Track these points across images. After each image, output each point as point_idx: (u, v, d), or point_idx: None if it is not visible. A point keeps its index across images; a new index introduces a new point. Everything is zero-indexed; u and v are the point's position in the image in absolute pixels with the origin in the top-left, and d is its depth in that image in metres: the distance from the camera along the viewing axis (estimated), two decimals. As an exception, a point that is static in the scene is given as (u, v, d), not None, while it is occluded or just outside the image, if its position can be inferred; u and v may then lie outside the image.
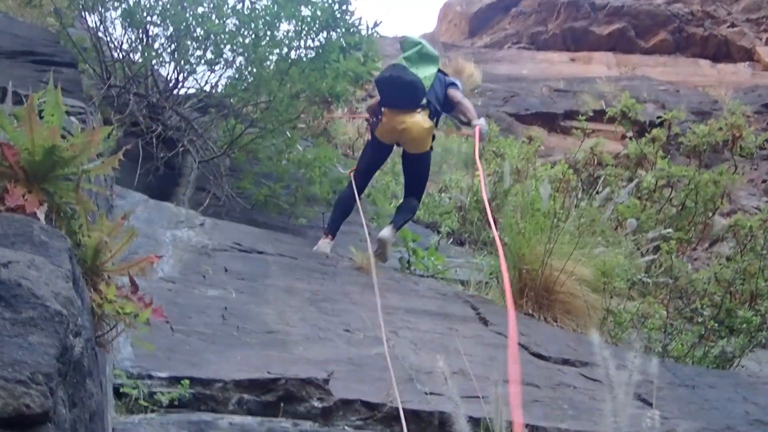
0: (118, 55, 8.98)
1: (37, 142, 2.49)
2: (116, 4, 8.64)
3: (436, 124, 7.41)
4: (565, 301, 6.95)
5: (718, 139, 13.20)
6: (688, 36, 24.41)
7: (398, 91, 7.12)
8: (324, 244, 7.17)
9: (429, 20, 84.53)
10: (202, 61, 8.77)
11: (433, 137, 7.39)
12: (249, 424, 3.79)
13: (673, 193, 11.80)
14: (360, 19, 8.33)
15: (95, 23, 8.85)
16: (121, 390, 3.72)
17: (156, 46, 8.78)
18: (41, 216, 2.46)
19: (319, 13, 8.10)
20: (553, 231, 6.94)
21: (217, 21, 8.34)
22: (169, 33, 8.61)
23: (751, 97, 19.84)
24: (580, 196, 9.49)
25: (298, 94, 8.63)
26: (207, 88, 9.25)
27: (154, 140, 8.38)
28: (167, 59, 8.94)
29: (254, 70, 8.49)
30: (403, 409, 4.03)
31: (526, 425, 4.21)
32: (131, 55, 8.99)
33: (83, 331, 2.11)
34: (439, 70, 7.48)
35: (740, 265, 8.27)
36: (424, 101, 7.14)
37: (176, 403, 3.82)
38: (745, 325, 7.05)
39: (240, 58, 8.68)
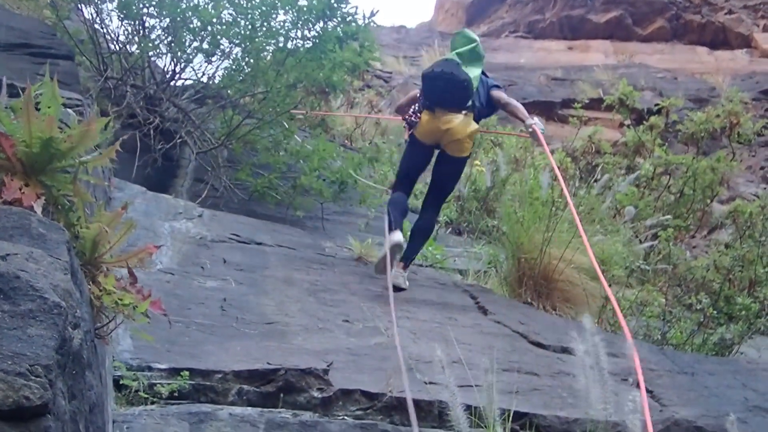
0: (115, 46, 8.97)
1: (34, 134, 2.48)
2: (112, -5, 8.63)
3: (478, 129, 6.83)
4: (564, 290, 6.96)
5: (715, 126, 13.22)
6: (686, 23, 24.37)
7: (448, 89, 6.52)
8: (395, 234, 6.19)
9: (426, 10, 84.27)
10: (199, 53, 8.76)
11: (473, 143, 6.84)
12: (249, 414, 3.79)
13: (671, 180, 11.81)
14: (356, 8, 8.34)
15: (91, 15, 8.84)
16: (121, 382, 3.73)
17: (153, 37, 8.76)
18: (39, 208, 2.45)
19: (315, 2, 8.08)
20: (551, 219, 6.94)
21: (213, 12, 8.32)
22: (165, 24, 8.59)
23: (749, 84, 19.83)
24: (578, 184, 9.50)
25: (295, 85, 8.63)
26: (204, 79, 9.26)
27: (151, 132, 8.37)
28: (164, 51, 8.94)
29: (251, 60, 8.47)
30: (402, 399, 4.05)
31: (526, 413, 4.23)
32: (128, 46, 8.96)
33: (82, 323, 2.11)
34: (482, 71, 6.88)
35: (739, 252, 8.28)
36: (470, 103, 6.58)
37: (176, 394, 3.83)
38: (744, 312, 7.07)
39: (237, 49, 8.68)
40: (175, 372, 3.95)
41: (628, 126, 14.28)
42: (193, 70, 9.24)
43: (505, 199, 8.67)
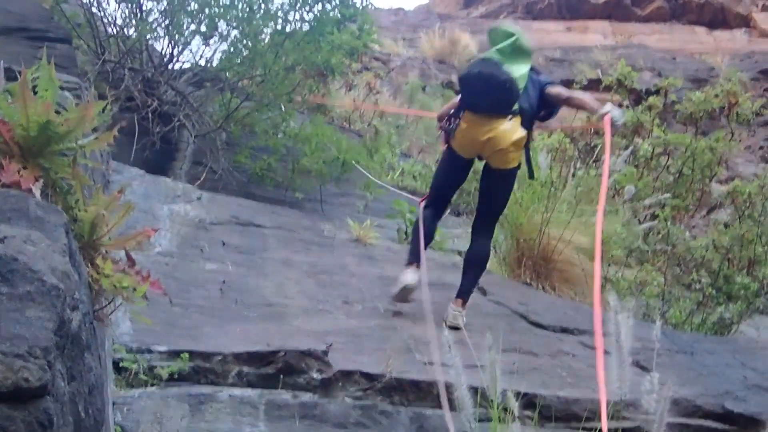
0: (113, 30, 8.93)
1: (32, 117, 2.48)
2: (109, -22, 8.60)
3: (529, 137, 5.77)
4: (563, 270, 6.98)
5: (714, 106, 13.18)
6: (684, 3, 24.30)
7: (489, 92, 5.52)
8: (408, 274, 5.54)
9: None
10: (197, 35, 8.74)
11: (528, 153, 5.86)
12: (249, 396, 3.81)
13: (670, 160, 11.79)
14: (355, -9, 8.31)
15: (89, -2, 8.80)
16: (121, 364, 3.74)
17: (150, 20, 8.73)
18: (37, 191, 2.45)
19: (313, -16, 8.07)
20: (550, 200, 6.95)
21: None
22: (163, 7, 8.57)
23: (748, 64, 19.81)
24: (577, 165, 9.49)
25: (294, 68, 8.61)
26: (202, 62, 9.26)
27: (149, 115, 8.36)
28: (162, 34, 8.91)
29: (249, 43, 8.45)
30: (402, 380, 4.06)
31: (526, 393, 4.24)
32: (125, 29, 8.94)
33: (80, 305, 2.11)
34: (532, 68, 5.87)
35: (738, 231, 8.28)
36: (516, 106, 5.57)
37: (176, 376, 3.85)
38: (743, 292, 7.08)
39: (235, 32, 8.64)
40: (174, 354, 3.96)
41: (627, 106, 14.25)
42: (191, 52, 9.24)
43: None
